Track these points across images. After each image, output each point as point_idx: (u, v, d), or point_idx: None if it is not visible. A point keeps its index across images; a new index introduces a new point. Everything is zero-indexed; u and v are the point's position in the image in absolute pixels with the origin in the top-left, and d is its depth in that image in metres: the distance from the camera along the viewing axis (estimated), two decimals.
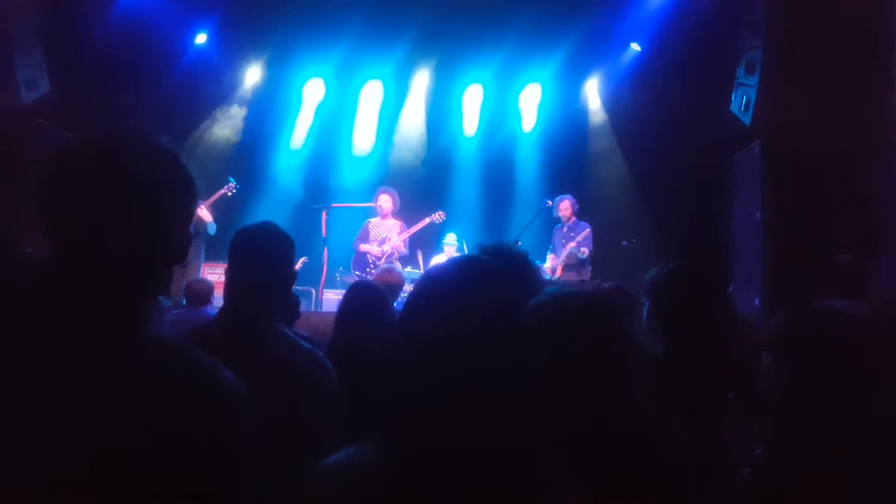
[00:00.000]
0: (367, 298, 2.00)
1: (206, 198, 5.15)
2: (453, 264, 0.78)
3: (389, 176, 6.32)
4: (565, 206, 5.34)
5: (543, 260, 5.38)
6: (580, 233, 5.24)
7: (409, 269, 5.36)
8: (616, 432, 0.96)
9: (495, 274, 0.73)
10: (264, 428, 0.75)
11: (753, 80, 4.51)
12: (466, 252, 5.05)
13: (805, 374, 1.06)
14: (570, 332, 1.01)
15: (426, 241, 5.59)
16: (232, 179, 5.37)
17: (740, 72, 4.70)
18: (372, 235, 5.42)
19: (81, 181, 0.69)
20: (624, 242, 5.46)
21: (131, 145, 0.73)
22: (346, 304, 2.04)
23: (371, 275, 5.07)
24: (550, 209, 5.42)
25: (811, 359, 1.06)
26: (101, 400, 0.64)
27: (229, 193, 5.31)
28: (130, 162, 0.71)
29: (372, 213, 5.52)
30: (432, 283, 0.75)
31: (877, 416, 1.00)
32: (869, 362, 1.03)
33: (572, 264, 5.24)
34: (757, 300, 4.28)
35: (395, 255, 5.28)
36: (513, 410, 0.68)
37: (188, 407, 0.65)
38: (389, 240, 5.35)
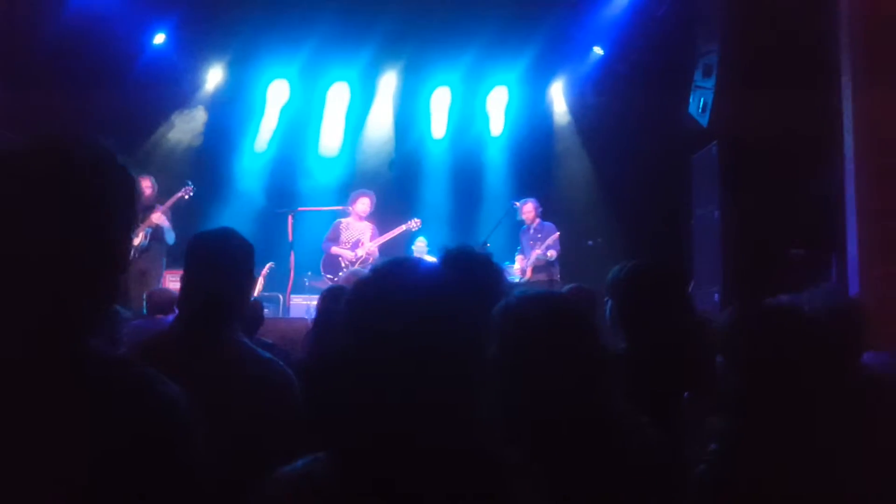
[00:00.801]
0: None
1: (163, 202, 4.98)
2: (388, 269, 0.76)
3: (357, 179, 6.26)
4: (528, 209, 5.41)
5: (513, 261, 5.43)
6: (548, 234, 5.31)
7: None
8: (584, 432, 0.97)
9: (428, 276, 0.73)
10: (219, 438, 0.73)
11: (710, 83, 4.66)
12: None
13: (751, 371, 1.10)
14: (536, 334, 1.01)
15: (397, 246, 5.55)
16: (189, 182, 5.20)
17: (697, 75, 4.85)
18: (343, 237, 5.33)
19: (21, 184, 0.67)
20: (590, 242, 5.56)
21: (71, 148, 0.71)
22: (321, 313, 2.00)
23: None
24: (517, 210, 5.49)
25: (755, 355, 1.10)
26: (35, 411, 0.62)
27: (186, 197, 5.12)
28: (70, 164, 0.69)
29: (342, 213, 5.44)
30: (370, 289, 0.74)
31: (822, 408, 1.04)
32: (813, 356, 1.07)
33: (541, 266, 5.31)
34: (716, 295, 4.42)
35: (370, 259, 5.21)
36: (463, 418, 0.68)
37: (125, 419, 0.64)
38: (362, 244, 5.28)
